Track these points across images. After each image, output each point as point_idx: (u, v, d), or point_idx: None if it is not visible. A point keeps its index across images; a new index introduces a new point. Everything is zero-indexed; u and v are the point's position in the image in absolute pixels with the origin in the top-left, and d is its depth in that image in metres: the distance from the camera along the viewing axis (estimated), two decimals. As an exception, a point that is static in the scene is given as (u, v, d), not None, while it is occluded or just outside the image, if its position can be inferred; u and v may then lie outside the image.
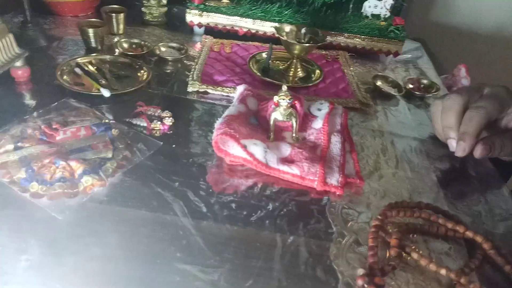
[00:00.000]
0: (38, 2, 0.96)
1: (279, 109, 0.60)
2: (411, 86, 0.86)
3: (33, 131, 0.55)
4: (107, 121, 0.59)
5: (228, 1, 0.96)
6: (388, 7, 0.97)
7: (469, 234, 0.49)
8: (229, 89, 0.75)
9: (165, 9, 1.02)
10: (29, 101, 0.66)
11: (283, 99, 0.59)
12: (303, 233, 0.48)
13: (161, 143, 0.59)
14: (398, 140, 0.69)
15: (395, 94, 0.82)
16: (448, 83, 0.96)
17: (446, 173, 0.63)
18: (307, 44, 0.80)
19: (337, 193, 0.54)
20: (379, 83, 0.84)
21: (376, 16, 0.98)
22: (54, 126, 0.56)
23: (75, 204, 0.47)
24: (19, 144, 0.52)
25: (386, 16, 0.98)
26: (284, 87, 0.60)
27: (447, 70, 1.05)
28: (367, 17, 0.98)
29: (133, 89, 0.70)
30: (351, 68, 0.90)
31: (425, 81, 0.88)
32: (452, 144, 0.62)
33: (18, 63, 0.68)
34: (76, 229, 0.44)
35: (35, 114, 0.60)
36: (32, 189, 0.47)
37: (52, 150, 0.52)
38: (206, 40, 0.94)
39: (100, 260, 0.42)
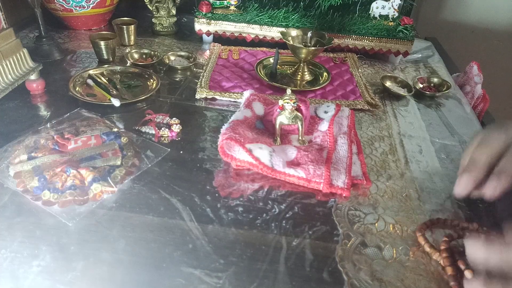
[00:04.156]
0: (53, 17, 1.00)
1: (285, 113, 0.60)
2: (421, 85, 0.85)
3: (46, 141, 0.57)
4: (116, 129, 0.61)
5: (235, 8, 0.97)
6: (396, 7, 0.96)
7: None
8: (236, 95, 0.76)
9: (175, 19, 1.05)
10: (44, 112, 0.68)
11: (288, 103, 0.59)
12: (309, 236, 0.48)
13: (169, 149, 0.60)
14: (407, 141, 0.68)
15: (404, 94, 0.81)
16: (460, 81, 0.94)
17: (456, 173, 0.62)
18: (313, 48, 0.81)
19: (344, 195, 0.54)
20: (388, 83, 0.84)
21: (384, 17, 0.98)
22: (66, 136, 0.58)
23: (85, 210, 0.49)
24: (33, 154, 0.54)
25: (395, 16, 0.97)
26: (289, 91, 0.61)
27: (460, 68, 1.03)
28: (375, 18, 0.98)
29: (142, 98, 0.72)
30: (359, 70, 0.90)
31: (435, 80, 0.87)
32: (463, 181, 0.49)
33: (33, 76, 0.71)
34: (85, 235, 0.46)
35: (48, 125, 0.62)
36: (44, 197, 0.49)
37: (63, 159, 0.54)
38: (214, 47, 0.95)
39: (108, 264, 0.43)
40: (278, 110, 0.61)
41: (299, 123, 0.61)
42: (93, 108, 0.69)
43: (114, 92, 0.74)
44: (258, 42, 0.97)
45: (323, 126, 0.64)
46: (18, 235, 0.45)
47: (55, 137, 0.58)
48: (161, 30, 1.04)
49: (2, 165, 0.53)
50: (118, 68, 0.82)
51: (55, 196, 0.49)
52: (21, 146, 0.56)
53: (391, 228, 0.50)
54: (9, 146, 0.57)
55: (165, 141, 0.63)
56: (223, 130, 0.59)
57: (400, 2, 0.96)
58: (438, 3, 1.38)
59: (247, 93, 0.69)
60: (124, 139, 0.59)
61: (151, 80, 0.79)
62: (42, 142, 0.57)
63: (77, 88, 0.74)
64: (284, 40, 0.82)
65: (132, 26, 0.94)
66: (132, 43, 0.96)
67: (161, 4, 1.02)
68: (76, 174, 0.51)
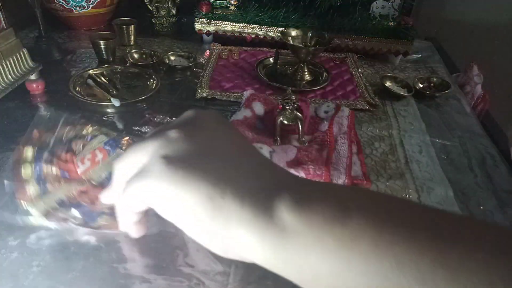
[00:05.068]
0: (53, 17, 1.00)
1: (285, 113, 0.60)
2: (421, 85, 0.85)
3: (47, 166, 0.46)
4: (115, 134, 0.54)
5: (235, 8, 0.97)
6: (396, 7, 0.96)
7: None
8: (236, 95, 0.76)
9: (175, 19, 1.05)
10: (44, 112, 0.68)
11: (288, 103, 0.59)
12: (309, 236, 0.48)
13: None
14: (407, 141, 0.68)
15: (404, 94, 0.81)
16: (460, 82, 0.94)
17: (456, 173, 0.62)
18: (313, 48, 0.81)
19: (344, 195, 0.54)
20: (388, 83, 0.84)
21: (384, 17, 0.98)
22: (64, 158, 0.48)
23: (85, 210, 0.48)
24: (44, 185, 0.45)
25: (395, 16, 0.97)
26: (289, 91, 0.61)
27: (460, 68, 1.04)
28: (375, 18, 0.98)
29: (142, 98, 0.72)
30: (359, 70, 0.90)
31: (435, 80, 0.87)
32: None
33: (33, 76, 0.71)
34: (85, 234, 0.46)
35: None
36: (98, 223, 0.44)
37: (85, 188, 0.46)
38: (214, 47, 0.95)
39: (108, 264, 0.43)
40: (278, 110, 0.61)
41: (299, 123, 0.61)
42: (93, 108, 0.69)
43: (114, 92, 0.74)
44: (258, 42, 0.98)
45: (324, 126, 0.64)
46: (17, 234, 0.45)
47: (54, 160, 0.47)
48: (161, 30, 1.04)
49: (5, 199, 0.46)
50: (118, 68, 0.82)
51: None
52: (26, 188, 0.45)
53: (391, 228, 0.50)
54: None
55: (165, 141, 0.63)
56: (223, 130, 0.59)
57: (400, 1, 0.96)
58: (438, 3, 1.38)
59: (247, 93, 0.69)
60: (124, 142, 0.56)
61: (151, 80, 0.79)
62: (44, 170, 0.46)
63: (77, 88, 0.74)
64: (284, 40, 0.82)
65: (132, 26, 0.94)
66: (132, 43, 0.96)
67: (161, 4, 1.02)
68: None
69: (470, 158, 0.65)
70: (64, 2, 0.95)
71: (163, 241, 0.46)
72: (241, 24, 0.96)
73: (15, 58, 0.68)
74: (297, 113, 0.61)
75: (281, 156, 0.57)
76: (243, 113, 0.64)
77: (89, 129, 0.54)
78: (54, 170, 0.47)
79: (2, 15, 0.66)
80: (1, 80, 0.65)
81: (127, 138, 0.53)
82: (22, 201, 0.45)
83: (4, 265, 0.41)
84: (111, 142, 0.52)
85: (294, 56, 0.85)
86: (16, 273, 0.41)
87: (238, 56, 0.92)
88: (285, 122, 0.61)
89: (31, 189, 0.45)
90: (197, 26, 0.97)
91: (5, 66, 0.66)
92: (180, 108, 0.72)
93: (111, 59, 0.87)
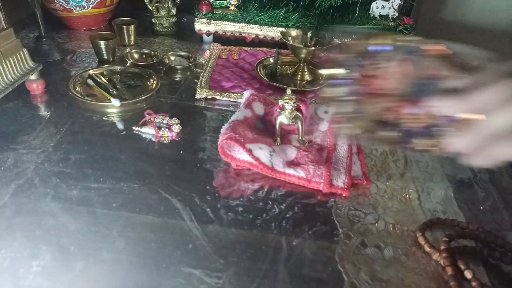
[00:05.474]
0: (53, 17, 1.00)
1: (285, 113, 0.60)
2: (421, 85, 0.84)
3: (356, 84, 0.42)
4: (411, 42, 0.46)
5: (235, 8, 0.97)
6: (396, 7, 0.96)
7: None
8: (236, 95, 0.75)
9: (175, 19, 1.05)
10: (44, 112, 0.68)
11: (288, 103, 0.59)
12: (309, 236, 0.48)
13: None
14: (407, 141, 0.68)
15: (405, 94, 0.81)
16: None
17: (456, 173, 0.62)
18: (313, 48, 0.81)
19: (344, 195, 0.54)
20: (388, 83, 0.84)
21: (384, 17, 0.98)
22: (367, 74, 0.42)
23: (85, 211, 0.49)
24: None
25: (395, 16, 0.97)
26: (289, 91, 0.61)
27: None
28: (375, 18, 0.98)
29: (142, 98, 0.72)
30: (360, 70, 0.90)
31: (435, 80, 0.86)
32: None
33: (33, 76, 0.71)
34: (85, 235, 0.46)
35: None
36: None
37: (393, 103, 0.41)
38: (214, 47, 0.95)
39: (108, 264, 0.43)
40: (278, 110, 0.61)
41: (299, 123, 0.61)
42: (92, 108, 0.69)
43: (114, 92, 0.74)
44: (258, 42, 0.97)
45: (323, 126, 0.64)
46: (18, 235, 0.45)
47: (359, 78, 0.43)
48: (161, 30, 1.04)
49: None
50: (118, 68, 0.82)
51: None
52: None
53: (391, 228, 0.50)
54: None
55: (165, 141, 0.63)
56: (223, 130, 0.59)
57: (400, 2, 0.96)
58: (438, 3, 1.38)
59: (247, 93, 0.69)
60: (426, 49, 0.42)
61: (151, 80, 0.79)
62: (353, 88, 0.42)
63: (77, 88, 0.74)
64: (284, 40, 0.82)
65: (132, 26, 0.94)
66: (132, 43, 0.96)
67: (161, 4, 1.02)
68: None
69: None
70: (64, 2, 0.95)
71: (163, 241, 0.46)
72: (241, 24, 0.96)
73: (15, 58, 0.68)
74: (297, 113, 0.60)
75: (281, 156, 0.57)
76: (243, 113, 0.63)
77: (387, 39, 0.46)
78: (361, 87, 0.43)
79: (2, 15, 0.66)
80: (1, 80, 0.65)
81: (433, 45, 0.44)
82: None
83: (4, 265, 0.41)
84: (411, 49, 0.45)
85: (294, 56, 0.85)
86: (16, 273, 0.41)
87: (238, 56, 0.92)
88: (285, 122, 0.61)
89: (344, 109, 0.43)
90: (197, 26, 0.97)
91: (5, 66, 0.66)
92: (180, 108, 0.72)
93: (111, 59, 0.87)
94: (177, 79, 0.82)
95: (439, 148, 0.40)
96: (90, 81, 0.77)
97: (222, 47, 0.95)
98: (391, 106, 0.41)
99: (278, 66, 0.87)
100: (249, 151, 0.56)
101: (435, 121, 0.39)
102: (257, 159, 0.56)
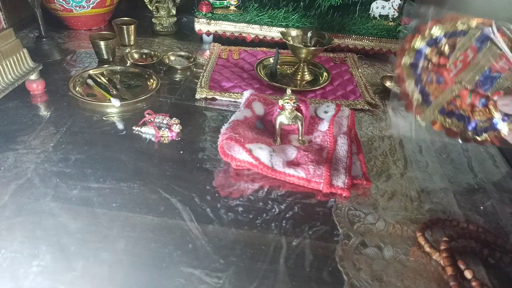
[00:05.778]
0: (53, 17, 1.00)
1: (284, 113, 0.60)
2: (421, 85, 0.84)
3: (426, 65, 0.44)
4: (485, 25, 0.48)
5: (235, 8, 0.97)
6: (396, 7, 0.96)
7: None
8: (236, 94, 0.76)
9: (175, 19, 1.05)
10: (44, 112, 0.68)
11: (288, 103, 0.59)
12: (309, 236, 0.48)
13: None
14: (407, 141, 0.68)
15: (405, 94, 0.81)
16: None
17: (456, 173, 0.62)
18: (313, 48, 0.81)
19: (344, 194, 0.54)
20: (388, 83, 0.84)
21: (384, 17, 0.98)
22: (438, 62, 0.45)
23: (85, 211, 0.49)
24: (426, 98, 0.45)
25: (395, 16, 0.97)
26: (289, 91, 0.61)
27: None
28: (375, 18, 0.98)
29: (142, 98, 0.72)
30: (359, 70, 0.90)
31: (435, 80, 0.86)
32: None
33: (33, 76, 0.71)
34: (85, 235, 0.46)
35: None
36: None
37: (459, 93, 0.43)
38: (214, 47, 0.95)
39: (108, 264, 0.43)
40: (278, 110, 0.61)
41: (299, 123, 0.61)
42: (92, 108, 0.69)
43: (114, 92, 0.74)
44: (258, 42, 0.97)
45: (323, 126, 0.64)
46: (18, 235, 0.45)
47: (430, 66, 0.45)
48: (161, 30, 1.04)
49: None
50: (118, 68, 0.82)
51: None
52: None
53: (391, 228, 0.50)
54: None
55: (165, 141, 0.63)
56: (223, 130, 0.59)
57: (400, 2, 0.96)
58: (438, 3, 1.38)
59: (247, 93, 0.69)
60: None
61: (151, 80, 0.79)
62: (423, 78, 0.45)
63: (77, 88, 0.74)
64: (284, 40, 0.82)
65: (132, 26, 0.94)
66: (132, 43, 0.96)
67: (161, 4, 1.02)
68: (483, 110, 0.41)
69: (470, 158, 0.65)
70: (64, 2, 0.95)
71: (163, 241, 0.46)
72: (241, 24, 0.96)
73: (15, 58, 0.68)
74: (297, 113, 0.60)
75: (281, 156, 0.57)
76: (243, 113, 0.63)
77: (460, 24, 0.50)
78: (431, 76, 0.45)
79: (2, 15, 0.66)
80: (1, 80, 0.65)
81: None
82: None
83: (4, 265, 0.41)
84: (483, 36, 0.46)
85: (294, 56, 0.85)
86: (16, 273, 0.41)
87: (238, 56, 0.92)
88: (285, 122, 0.61)
89: (415, 99, 0.45)
90: (197, 26, 0.97)
91: (5, 66, 0.66)
92: (180, 108, 0.72)
93: (111, 59, 0.87)
94: (177, 79, 0.82)
95: (499, 140, 0.40)
96: (90, 81, 0.77)
97: (222, 47, 0.96)
98: (459, 95, 0.42)
99: (278, 66, 0.87)
100: (249, 151, 0.56)
101: (496, 115, 0.39)
102: (257, 159, 0.56)
